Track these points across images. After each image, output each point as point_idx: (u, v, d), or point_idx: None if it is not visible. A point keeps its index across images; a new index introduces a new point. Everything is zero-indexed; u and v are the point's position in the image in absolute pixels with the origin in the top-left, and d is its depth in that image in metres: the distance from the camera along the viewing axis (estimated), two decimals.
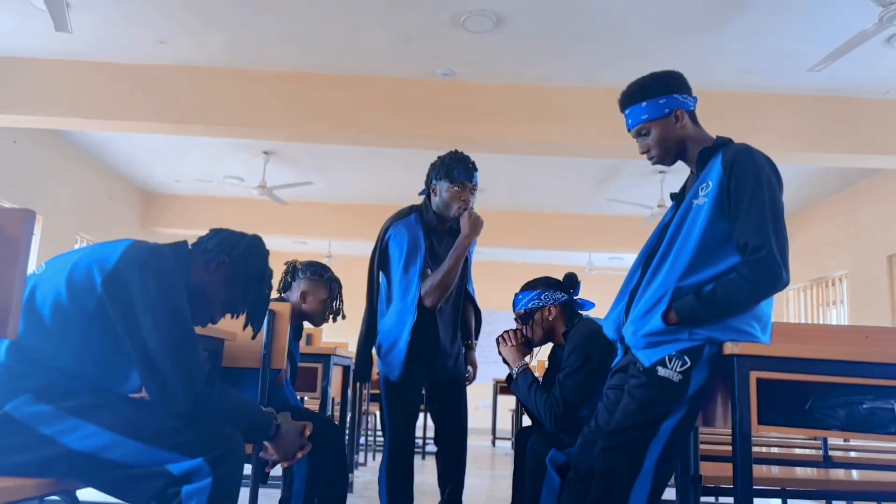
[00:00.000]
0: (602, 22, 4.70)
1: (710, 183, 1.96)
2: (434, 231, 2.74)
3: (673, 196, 2.16)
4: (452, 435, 2.80)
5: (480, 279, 11.97)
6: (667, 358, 1.88)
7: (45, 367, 1.57)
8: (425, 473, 5.58)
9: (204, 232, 1.98)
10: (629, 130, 2.11)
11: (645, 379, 1.90)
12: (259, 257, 1.88)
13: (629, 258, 11.66)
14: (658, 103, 2.02)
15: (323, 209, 9.64)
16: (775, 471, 2.66)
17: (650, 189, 8.04)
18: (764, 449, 3.57)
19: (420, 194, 2.83)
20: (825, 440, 3.30)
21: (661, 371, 1.87)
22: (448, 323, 2.73)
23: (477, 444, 8.94)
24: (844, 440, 4.49)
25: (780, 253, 1.87)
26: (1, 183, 6.75)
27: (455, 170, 2.64)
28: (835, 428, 2.06)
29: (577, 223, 9.62)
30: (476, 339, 2.93)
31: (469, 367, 2.88)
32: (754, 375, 1.95)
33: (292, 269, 3.06)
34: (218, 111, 5.75)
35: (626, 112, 2.10)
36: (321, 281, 2.99)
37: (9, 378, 1.54)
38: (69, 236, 8.04)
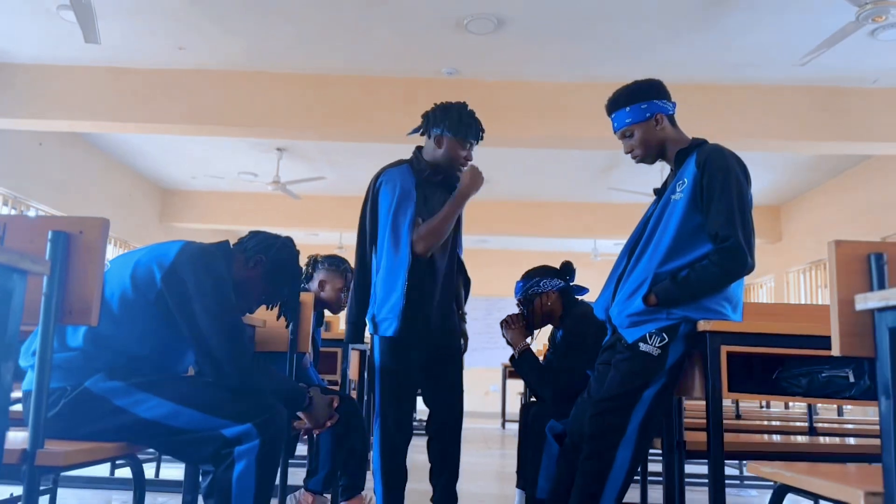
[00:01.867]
0: (597, 23, 4.94)
1: (685, 180, 2.22)
2: (426, 183, 2.58)
3: (656, 191, 2.42)
4: (447, 419, 2.62)
5: (487, 266, 12.30)
6: (647, 335, 2.16)
7: (116, 350, 1.86)
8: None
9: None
10: (615, 133, 2.37)
11: (628, 354, 2.18)
12: (291, 256, 2.18)
13: None
14: (640, 108, 2.27)
15: (334, 202, 9.93)
16: (775, 438, 2.91)
17: (651, 178, 8.27)
18: (766, 423, 3.81)
19: (411, 133, 2.73)
20: (811, 413, 3.56)
21: (643, 346, 2.15)
22: (445, 284, 2.57)
23: (487, 426, 9.25)
24: (838, 414, 4.76)
25: (746, 241, 2.13)
26: (28, 183, 7.07)
27: (469, 127, 2.59)
28: (798, 395, 2.34)
29: (581, 211, 9.88)
30: (463, 307, 2.77)
31: (462, 340, 2.70)
32: (724, 349, 2.23)
33: (313, 262, 3.35)
34: (235, 112, 6.03)
35: (612, 116, 2.36)
36: (338, 271, 3.28)
37: (86, 360, 1.83)
38: None
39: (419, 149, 2.68)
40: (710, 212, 2.14)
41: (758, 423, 3.80)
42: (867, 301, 1.48)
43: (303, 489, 3.09)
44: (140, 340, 1.89)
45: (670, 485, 2.58)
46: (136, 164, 8.88)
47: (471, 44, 5.30)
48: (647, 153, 2.31)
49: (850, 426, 3.83)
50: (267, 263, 2.13)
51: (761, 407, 5.32)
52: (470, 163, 2.63)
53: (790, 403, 5.27)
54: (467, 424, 9.09)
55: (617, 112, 2.32)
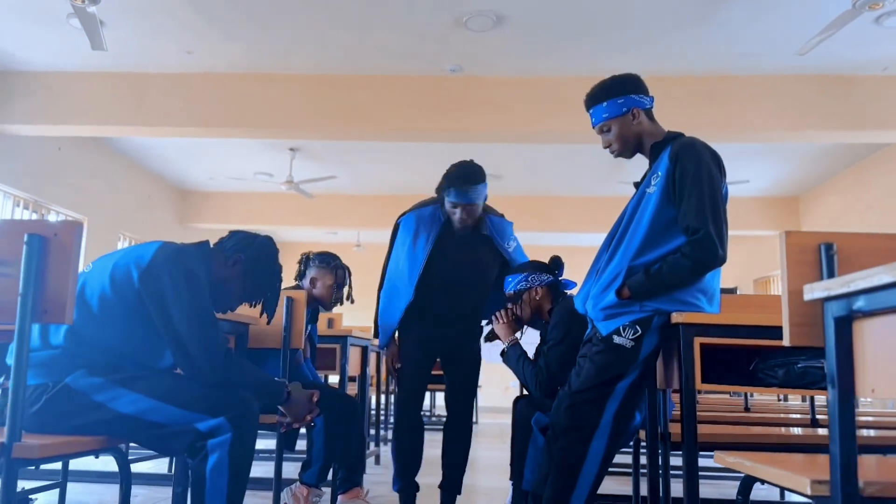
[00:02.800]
0: (597, 17, 4.93)
1: (659, 173, 2.23)
2: (452, 228, 2.90)
3: (636, 184, 2.44)
4: (457, 410, 3.01)
5: None
6: (621, 327, 2.18)
7: (96, 348, 1.93)
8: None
9: (237, 226, 2.38)
10: (593, 127, 2.39)
11: (603, 346, 2.20)
12: (270, 255, 2.24)
13: None
14: (617, 103, 2.29)
15: (348, 201, 10.03)
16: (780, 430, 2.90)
17: None
18: (776, 415, 3.79)
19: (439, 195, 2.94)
20: (812, 405, 3.54)
21: (616, 339, 2.17)
22: (456, 306, 2.96)
23: (505, 421, 9.26)
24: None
25: (717, 233, 2.13)
26: (48, 186, 7.25)
27: (453, 190, 2.77)
28: (774, 385, 2.35)
29: (593, 206, 9.84)
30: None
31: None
32: (698, 341, 2.25)
33: (305, 260, 3.41)
34: (243, 113, 6.13)
35: (590, 112, 2.37)
36: (328, 268, 3.33)
37: (67, 357, 1.91)
38: (112, 234, 8.54)
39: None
40: (682, 204, 2.15)
41: (765, 415, 3.78)
42: (813, 291, 1.49)
43: (298, 482, 3.16)
44: (120, 339, 1.96)
45: (654, 476, 2.61)
46: (155, 167, 9.05)
47: (472, 41, 5.33)
48: (625, 147, 2.33)
49: (868, 418, 3.78)
50: (246, 262, 2.19)
51: (779, 400, 5.28)
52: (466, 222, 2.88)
53: (815, 397, 5.21)
54: (486, 419, 9.12)
55: (594, 107, 2.33)
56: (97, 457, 3.67)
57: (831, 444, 1.46)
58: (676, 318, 2.23)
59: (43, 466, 3.99)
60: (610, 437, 2.16)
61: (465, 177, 2.75)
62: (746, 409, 4.22)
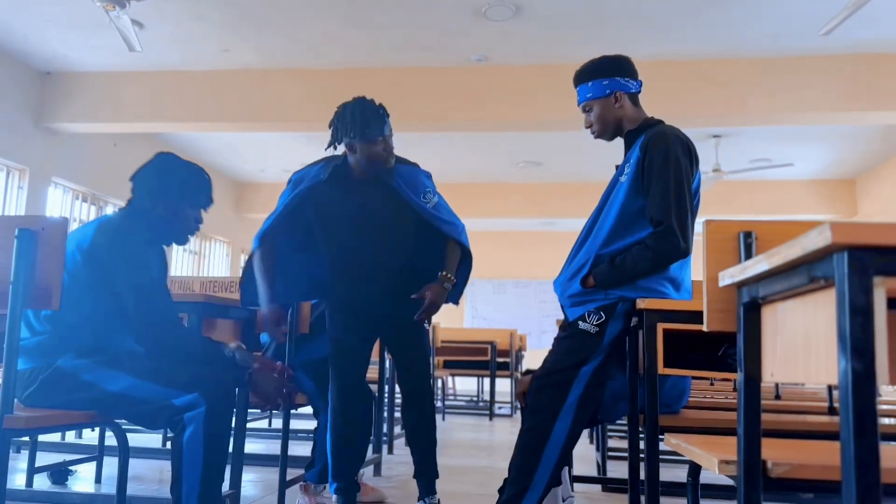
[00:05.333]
0: (618, 3, 4.91)
1: (630, 163, 2.28)
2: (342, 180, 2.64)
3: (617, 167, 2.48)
4: (408, 387, 2.72)
5: (542, 248, 12.10)
6: (586, 313, 2.24)
7: (79, 331, 2.12)
8: (495, 433, 5.99)
9: None
10: (578, 105, 2.43)
11: (569, 331, 2.27)
12: (169, 165, 2.27)
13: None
14: (601, 84, 2.30)
15: None
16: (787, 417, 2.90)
17: (705, 154, 8.07)
18: (805, 403, 3.74)
19: (327, 149, 2.69)
20: (830, 393, 3.50)
21: (581, 325, 2.23)
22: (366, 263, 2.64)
23: None
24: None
25: (680, 226, 2.16)
26: (105, 180, 7.69)
27: (371, 126, 2.57)
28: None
29: None
30: (452, 273, 2.67)
31: (427, 294, 2.59)
32: (661, 326, 2.30)
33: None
34: (277, 108, 6.37)
35: (577, 89, 2.39)
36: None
37: (55, 341, 2.11)
38: None
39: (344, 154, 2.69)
40: (649, 195, 2.19)
41: (794, 403, 3.72)
42: (724, 277, 1.55)
43: (302, 481, 3.23)
44: (92, 320, 2.13)
45: (634, 460, 2.67)
46: (210, 160, 9.45)
47: (493, 31, 5.39)
48: (604, 130, 2.35)
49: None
50: (158, 190, 2.25)
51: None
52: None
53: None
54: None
55: (580, 86, 2.35)
56: (93, 430, 3.89)
57: (738, 426, 1.51)
58: (640, 304, 2.29)
59: (83, 441, 4.30)
60: (573, 420, 2.23)
61: (370, 111, 2.60)
62: (777, 398, 4.18)
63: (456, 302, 2.81)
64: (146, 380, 2.06)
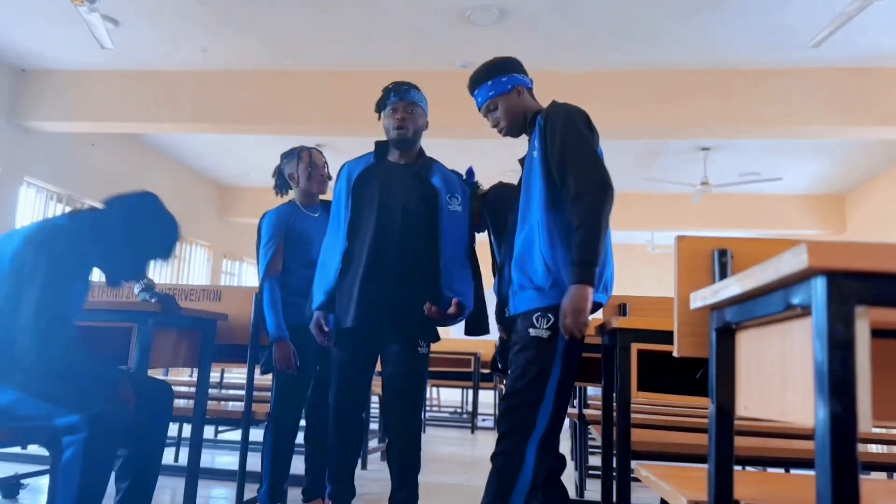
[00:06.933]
0: (603, 9, 4.81)
1: (535, 136, 2.19)
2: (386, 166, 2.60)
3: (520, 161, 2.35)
4: (396, 416, 2.51)
5: None
6: (534, 319, 2.07)
7: None
8: (477, 446, 5.84)
9: None
10: (479, 109, 2.34)
11: (522, 343, 2.10)
12: (148, 209, 2.19)
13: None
14: (501, 81, 2.26)
15: None
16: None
17: (695, 166, 7.98)
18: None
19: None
20: None
21: (532, 332, 2.06)
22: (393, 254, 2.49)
23: None
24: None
25: (589, 177, 2.01)
26: (82, 181, 7.52)
27: (391, 93, 2.59)
28: None
29: (619, 201, 9.59)
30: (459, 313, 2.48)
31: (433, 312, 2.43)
32: (635, 347, 2.17)
33: (276, 172, 3.27)
34: (258, 109, 6.23)
35: (475, 94, 2.32)
36: (293, 156, 3.14)
37: None
38: None
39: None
40: (557, 170, 2.07)
41: (777, 423, 3.59)
42: (696, 299, 1.42)
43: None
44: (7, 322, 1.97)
45: (608, 483, 2.54)
46: (192, 162, 9.29)
47: (478, 36, 5.28)
48: (513, 124, 2.29)
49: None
50: (126, 224, 2.15)
51: None
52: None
53: None
54: None
55: (479, 88, 2.29)
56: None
57: (709, 462, 1.39)
58: (614, 322, 2.16)
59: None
60: (543, 438, 2.09)
61: (399, 83, 2.62)
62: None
63: (486, 331, 2.65)
64: (31, 395, 1.91)
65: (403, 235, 2.49)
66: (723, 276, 1.51)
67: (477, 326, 2.64)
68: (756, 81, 5.76)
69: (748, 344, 1.32)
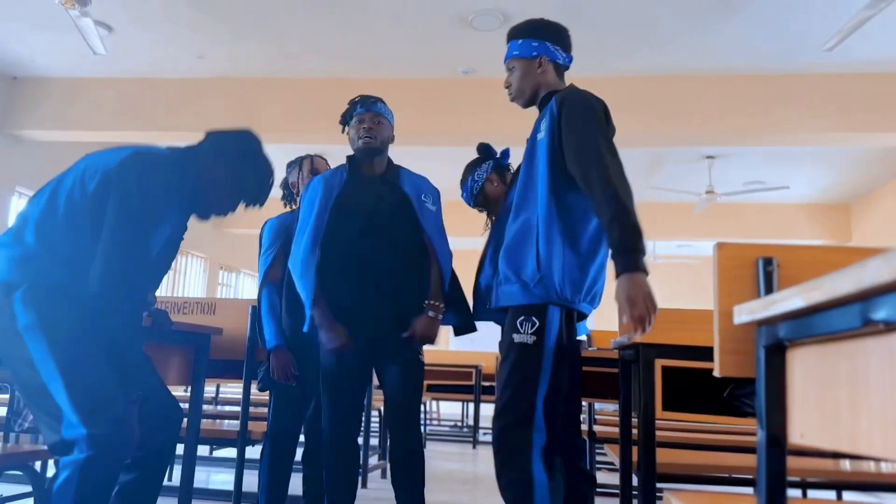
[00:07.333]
0: (610, 13, 4.69)
1: (545, 118, 2.02)
2: (359, 177, 2.56)
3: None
4: (397, 431, 2.43)
5: None
6: (518, 323, 1.93)
7: (53, 255, 1.80)
8: (479, 462, 5.68)
9: None
10: (504, 62, 2.21)
11: (506, 351, 1.95)
12: (249, 146, 2.07)
13: (699, 245, 11.38)
14: (530, 45, 2.11)
15: None
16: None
17: (699, 176, 7.86)
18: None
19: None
20: None
21: (517, 338, 1.92)
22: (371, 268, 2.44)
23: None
24: None
25: (615, 166, 1.89)
26: None
27: (357, 106, 2.56)
28: (750, 415, 2.10)
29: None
30: (438, 300, 2.46)
31: (416, 329, 2.41)
32: (659, 363, 2.02)
33: (284, 183, 3.21)
34: (255, 118, 6.10)
35: (508, 44, 2.19)
36: (296, 165, 3.13)
37: (30, 259, 1.81)
38: None
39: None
40: (568, 158, 1.93)
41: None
42: (741, 313, 1.28)
43: None
44: (73, 249, 1.82)
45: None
46: None
47: (481, 41, 5.15)
48: (520, 93, 2.15)
49: None
50: (225, 160, 2.02)
51: None
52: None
53: None
54: None
55: (510, 42, 2.17)
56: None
57: (758, 494, 1.24)
58: (636, 337, 2.01)
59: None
60: (545, 451, 1.92)
61: (366, 96, 2.58)
62: None
63: (473, 328, 2.56)
64: (63, 375, 1.69)
65: (391, 245, 2.46)
66: (768, 286, 1.36)
67: (464, 327, 2.55)
68: (762, 88, 5.64)
69: (804, 363, 1.18)
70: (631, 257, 1.73)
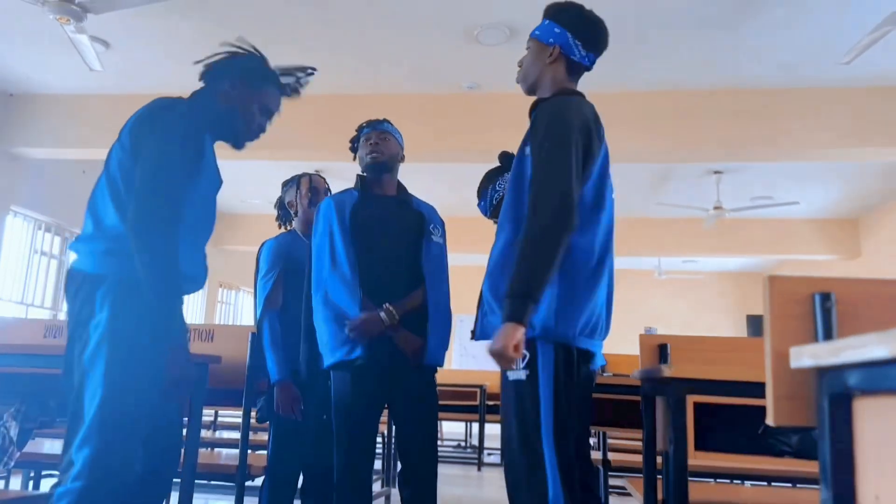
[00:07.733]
0: (620, 25, 4.59)
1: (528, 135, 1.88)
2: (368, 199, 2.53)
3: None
4: (409, 462, 2.35)
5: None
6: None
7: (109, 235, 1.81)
8: (484, 486, 5.54)
9: None
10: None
11: (504, 392, 1.80)
12: (245, 59, 2.10)
13: (703, 261, 11.25)
14: (552, 29, 1.95)
15: None
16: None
17: (707, 190, 7.75)
18: None
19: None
20: None
21: (511, 375, 1.76)
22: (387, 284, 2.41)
23: None
24: None
25: (553, 188, 1.69)
26: (71, 212, 7.24)
27: (365, 128, 2.62)
28: (787, 454, 1.96)
29: (629, 227, 9.35)
30: (399, 307, 2.38)
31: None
32: (691, 399, 1.89)
33: (279, 203, 3.18)
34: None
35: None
36: (293, 184, 3.09)
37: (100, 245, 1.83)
38: None
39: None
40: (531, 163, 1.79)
41: None
42: (801, 357, 1.14)
43: None
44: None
45: None
46: None
47: (486, 56, 5.05)
48: (524, 77, 2.02)
49: None
50: (229, 74, 2.03)
51: None
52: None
53: None
54: None
55: (543, 19, 2.01)
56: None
57: None
58: (665, 371, 1.87)
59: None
60: (564, 491, 1.75)
61: (373, 119, 2.63)
62: None
63: (441, 363, 2.42)
64: (107, 387, 1.61)
65: (407, 265, 2.43)
66: (826, 324, 1.23)
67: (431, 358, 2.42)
68: (772, 102, 5.53)
69: (877, 415, 1.04)
70: (518, 304, 1.62)
